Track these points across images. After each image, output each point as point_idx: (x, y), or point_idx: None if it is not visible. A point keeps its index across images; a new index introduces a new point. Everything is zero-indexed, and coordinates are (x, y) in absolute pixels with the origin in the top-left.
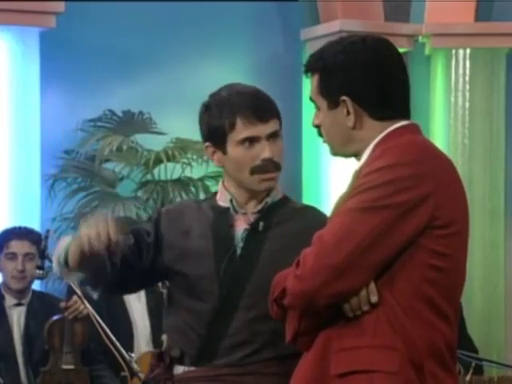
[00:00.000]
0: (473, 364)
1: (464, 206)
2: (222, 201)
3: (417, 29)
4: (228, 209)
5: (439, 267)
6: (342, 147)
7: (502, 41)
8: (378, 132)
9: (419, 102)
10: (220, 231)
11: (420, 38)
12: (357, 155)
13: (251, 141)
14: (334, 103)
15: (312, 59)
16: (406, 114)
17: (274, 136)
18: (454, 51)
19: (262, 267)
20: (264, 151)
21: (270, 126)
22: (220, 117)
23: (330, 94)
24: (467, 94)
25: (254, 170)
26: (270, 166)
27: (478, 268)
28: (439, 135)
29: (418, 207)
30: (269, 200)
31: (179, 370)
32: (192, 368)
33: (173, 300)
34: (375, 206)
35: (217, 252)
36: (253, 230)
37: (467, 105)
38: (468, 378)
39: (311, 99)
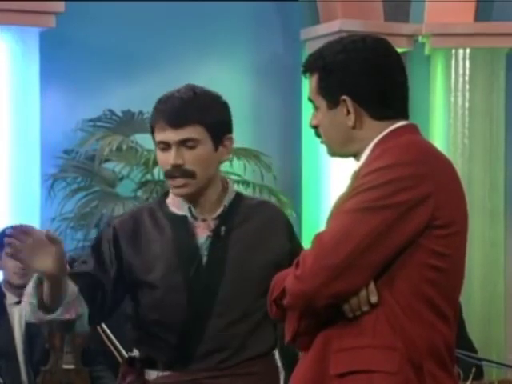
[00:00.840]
0: (473, 370)
1: (463, 206)
2: (176, 207)
3: (417, 29)
4: (185, 217)
5: (439, 267)
6: (341, 147)
7: (501, 41)
8: (377, 132)
9: (419, 101)
10: (182, 241)
11: (420, 38)
12: (355, 155)
13: (165, 146)
14: (333, 103)
15: (311, 59)
16: (404, 114)
17: (188, 143)
18: (453, 51)
19: (230, 273)
20: (171, 158)
21: (182, 133)
22: (151, 117)
23: (329, 93)
24: (467, 94)
25: (165, 175)
26: (175, 173)
27: (477, 268)
28: (439, 135)
29: (417, 207)
30: (226, 203)
31: (153, 375)
32: (166, 373)
33: (137, 315)
34: (375, 206)
35: (182, 262)
36: (215, 236)
37: (467, 105)
38: (468, 383)
39: (310, 99)
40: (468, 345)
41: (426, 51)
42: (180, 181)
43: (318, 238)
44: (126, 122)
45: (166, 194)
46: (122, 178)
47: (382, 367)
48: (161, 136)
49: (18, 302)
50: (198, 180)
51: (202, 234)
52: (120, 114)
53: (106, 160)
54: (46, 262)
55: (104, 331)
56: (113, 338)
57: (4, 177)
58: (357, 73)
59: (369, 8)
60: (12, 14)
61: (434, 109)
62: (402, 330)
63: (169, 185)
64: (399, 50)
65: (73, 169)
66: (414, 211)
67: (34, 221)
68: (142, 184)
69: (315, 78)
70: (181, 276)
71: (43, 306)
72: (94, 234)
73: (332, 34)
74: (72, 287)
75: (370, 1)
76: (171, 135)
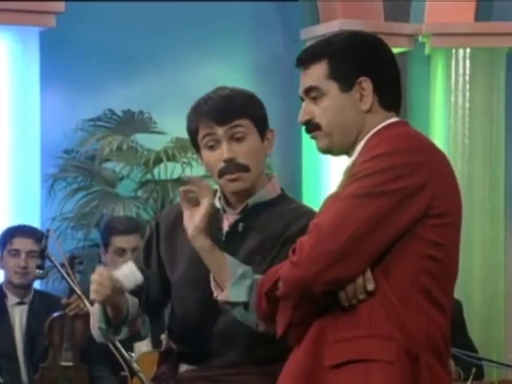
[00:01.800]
0: (473, 370)
1: (458, 197)
2: (217, 199)
3: (417, 28)
4: (219, 209)
5: (435, 257)
6: (346, 135)
7: (501, 40)
8: (380, 121)
9: (419, 101)
10: (211, 234)
11: (420, 38)
12: (351, 149)
13: (213, 143)
14: (348, 85)
15: (316, 47)
16: (399, 109)
17: (238, 134)
18: (453, 51)
19: None
20: (224, 152)
21: (231, 128)
22: (190, 123)
23: (345, 75)
24: (467, 94)
25: (219, 173)
26: (231, 167)
27: (477, 268)
28: (439, 135)
29: (414, 195)
30: (250, 201)
31: (183, 368)
32: (192, 367)
33: (171, 310)
34: (372, 192)
35: None
36: (232, 231)
37: (467, 104)
38: (469, 383)
39: (309, 89)
40: (468, 344)
41: (426, 51)
42: (235, 175)
43: (315, 224)
44: (126, 122)
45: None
46: (122, 178)
47: (379, 356)
48: (208, 131)
49: (20, 303)
50: (251, 174)
51: (226, 228)
52: (120, 113)
53: (107, 160)
54: (106, 282)
55: None
56: None
57: (4, 176)
58: (374, 56)
59: (369, 8)
60: (12, 13)
61: (434, 109)
62: (399, 319)
63: (222, 183)
64: (399, 50)
65: (73, 168)
66: (411, 199)
67: (34, 221)
68: (143, 184)
69: (323, 63)
70: (201, 269)
71: (111, 327)
72: (94, 233)
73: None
74: (133, 301)
75: (371, 1)
76: (220, 131)
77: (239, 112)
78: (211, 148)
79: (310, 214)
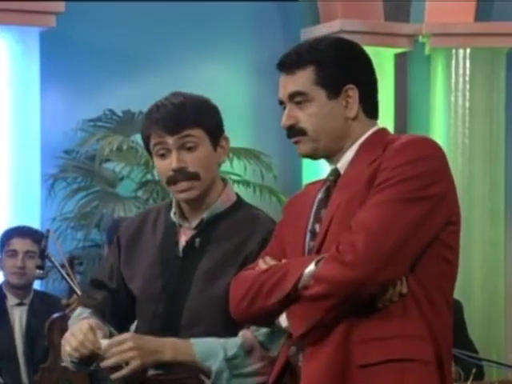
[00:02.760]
0: (474, 370)
1: (459, 205)
2: (172, 214)
3: (417, 28)
4: (174, 224)
5: (450, 261)
6: (332, 142)
7: (501, 40)
8: (365, 130)
9: (419, 101)
10: (167, 251)
11: (420, 38)
12: (335, 155)
13: (164, 152)
14: (335, 93)
15: (301, 52)
16: (378, 116)
17: (188, 144)
18: (454, 51)
19: (197, 286)
20: (173, 162)
21: (181, 138)
22: (143, 129)
23: (332, 82)
24: (467, 94)
25: (168, 181)
26: (180, 176)
27: (477, 268)
28: (439, 135)
29: (443, 201)
30: (205, 216)
31: (149, 370)
32: (157, 371)
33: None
34: (412, 197)
35: (161, 271)
36: (189, 247)
37: (467, 104)
38: (469, 383)
39: (294, 94)
40: (468, 345)
41: (427, 51)
42: (184, 184)
43: (361, 225)
44: (126, 122)
45: None
46: (122, 178)
47: (417, 356)
48: (159, 140)
49: (19, 304)
50: (202, 182)
51: (183, 242)
52: (120, 113)
53: (107, 160)
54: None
55: None
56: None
57: (4, 177)
58: (360, 64)
59: (369, 8)
60: (12, 13)
61: (435, 109)
62: (429, 322)
63: (172, 191)
64: (399, 50)
65: (73, 169)
66: (442, 205)
67: (34, 221)
68: (143, 184)
69: (309, 70)
70: (158, 286)
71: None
72: (94, 233)
73: (332, 34)
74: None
75: (371, 1)
76: (170, 140)
77: (191, 121)
78: (162, 156)
79: (268, 223)
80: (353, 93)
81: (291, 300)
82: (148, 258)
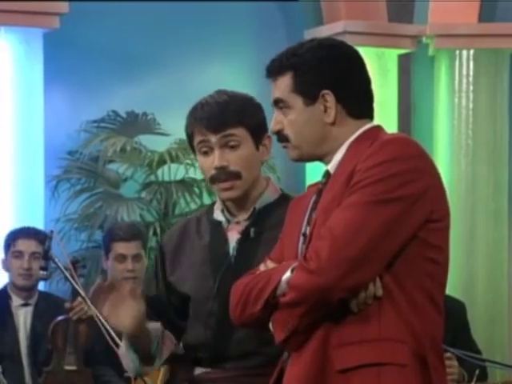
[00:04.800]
0: (477, 371)
1: (447, 202)
2: (218, 211)
3: (420, 29)
4: (220, 222)
5: (435, 260)
6: (315, 147)
7: (505, 42)
8: (352, 131)
9: (423, 102)
10: (216, 249)
11: (424, 39)
12: (324, 157)
13: (207, 149)
14: (311, 99)
15: (282, 59)
16: (373, 115)
17: (231, 142)
18: (457, 52)
19: None
20: (215, 160)
21: (224, 137)
22: (188, 125)
23: (308, 89)
24: (471, 95)
25: (210, 180)
26: (222, 175)
27: (481, 269)
28: (443, 136)
29: (420, 200)
30: (257, 205)
31: (198, 370)
32: (209, 369)
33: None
34: (384, 198)
35: (213, 269)
36: (244, 237)
37: (471, 106)
38: None
39: (277, 101)
40: (472, 346)
41: (430, 52)
42: (226, 184)
43: (329, 230)
44: (129, 123)
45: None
46: (125, 179)
47: (392, 359)
48: (202, 138)
49: (24, 305)
50: (243, 181)
51: (233, 237)
52: (124, 114)
53: (110, 161)
54: (125, 319)
55: (108, 332)
56: (116, 339)
57: (8, 178)
58: (337, 68)
59: (372, 9)
60: (16, 14)
61: (438, 110)
62: (408, 322)
63: (215, 190)
64: (403, 51)
65: (77, 170)
66: (417, 204)
67: (38, 222)
68: (146, 185)
69: (288, 76)
70: (211, 283)
71: (142, 360)
72: (97, 235)
73: (336, 35)
74: (155, 328)
75: (374, 1)
76: (213, 138)
77: (234, 121)
78: (205, 154)
79: None
80: (329, 98)
81: (274, 306)
82: (197, 258)
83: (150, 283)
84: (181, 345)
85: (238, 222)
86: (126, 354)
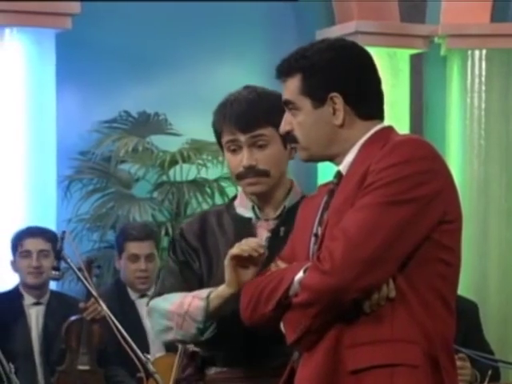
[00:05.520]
0: (489, 372)
1: (460, 203)
2: (243, 207)
3: (433, 30)
4: (249, 219)
5: (448, 262)
6: (324, 149)
7: None
8: (362, 132)
9: (435, 103)
10: None
11: (436, 39)
12: (334, 158)
13: (235, 147)
14: (320, 101)
15: (291, 60)
16: (383, 115)
17: (260, 142)
18: (469, 52)
19: None
20: (244, 159)
21: (253, 137)
22: (216, 122)
23: (316, 91)
24: (483, 95)
25: (238, 177)
26: (250, 173)
27: (494, 269)
28: (455, 136)
29: (433, 202)
30: (286, 203)
31: (211, 370)
32: (224, 369)
33: None
34: (397, 200)
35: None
36: (274, 236)
37: (483, 106)
38: None
39: (286, 102)
40: (484, 346)
41: (442, 52)
42: (252, 179)
43: (342, 232)
44: (141, 123)
45: (235, 197)
46: (137, 179)
47: (405, 360)
48: (231, 137)
49: (36, 303)
50: (270, 178)
51: (262, 234)
52: (136, 115)
53: (122, 161)
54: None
55: (120, 332)
56: (129, 339)
57: (21, 178)
58: (346, 70)
59: (385, 9)
60: (28, 15)
61: (450, 110)
62: (420, 324)
63: (240, 185)
64: (415, 51)
65: (89, 170)
66: (431, 206)
67: (50, 222)
68: (158, 185)
69: (297, 78)
70: None
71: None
72: (110, 235)
73: (347, 36)
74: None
75: (386, 1)
76: (242, 137)
77: (263, 121)
78: (233, 151)
79: None
80: (337, 100)
81: (286, 307)
82: (222, 253)
83: (171, 275)
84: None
85: (266, 220)
86: (198, 314)
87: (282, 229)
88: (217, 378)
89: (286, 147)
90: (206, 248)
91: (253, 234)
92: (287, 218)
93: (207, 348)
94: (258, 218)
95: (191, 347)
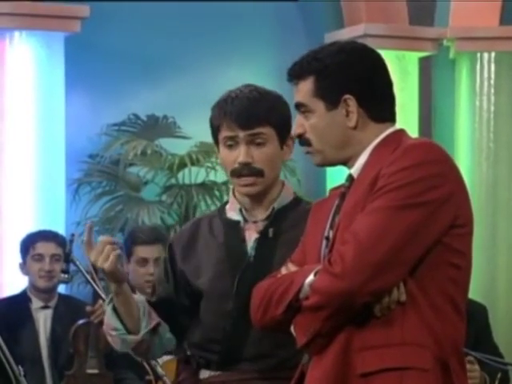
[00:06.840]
0: (499, 375)
1: (471, 207)
2: (233, 210)
3: (441, 32)
4: (238, 222)
5: (459, 266)
6: (337, 152)
7: None
8: (375, 134)
9: (444, 105)
10: (233, 248)
11: (445, 42)
12: (347, 162)
13: (232, 143)
14: (333, 104)
15: (303, 63)
16: (395, 118)
17: (258, 140)
18: (478, 55)
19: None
20: (240, 155)
21: (252, 134)
22: (215, 117)
23: (329, 94)
24: (492, 98)
25: (232, 173)
26: (245, 170)
27: (502, 271)
28: (464, 139)
29: (444, 205)
30: (275, 205)
31: (205, 374)
32: (218, 372)
33: (196, 315)
34: (408, 203)
35: (230, 268)
36: (263, 237)
37: (492, 108)
38: None
39: (298, 104)
40: (494, 349)
41: (451, 55)
42: (248, 179)
43: (353, 235)
44: (150, 127)
45: (227, 202)
46: (146, 183)
47: (415, 364)
48: (230, 134)
49: (44, 307)
50: (265, 179)
51: (251, 236)
52: (144, 118)
53: (131, 164)
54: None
55: None
56: None
57: (30, 181)
58: (359, 71)
59: (393, 11)
60: (37, 18)
61: (459, 113)
62: (431, 327)
63: (234, 183)
64: (424, 54)
65: (97, 173)
66: (442, 209)
67: (59, 225)
68: (167, 188)
69: (309, 81)
70: (228, 282)
71: (128, 329)
72: (118, 237)
73: (356, 38)
74: (140, 298)
75: (395, 3)
76: (240, 134)
77: (263, 119)
78: (230, 147)
79: None
80: (351, 102)
81: (296, 310)
82: (211, 256)
83: (159, 284)
84: (185, 346)
85: (255, 222)
86: (111, 324)
87: (271, 230)
88: (211, 382)
89: (282, 148)
90: (195, 252)
91: (241, 237)
92: (276, 219)
93: (198, 352)
94: (245, 220)
95: (186, 351)
